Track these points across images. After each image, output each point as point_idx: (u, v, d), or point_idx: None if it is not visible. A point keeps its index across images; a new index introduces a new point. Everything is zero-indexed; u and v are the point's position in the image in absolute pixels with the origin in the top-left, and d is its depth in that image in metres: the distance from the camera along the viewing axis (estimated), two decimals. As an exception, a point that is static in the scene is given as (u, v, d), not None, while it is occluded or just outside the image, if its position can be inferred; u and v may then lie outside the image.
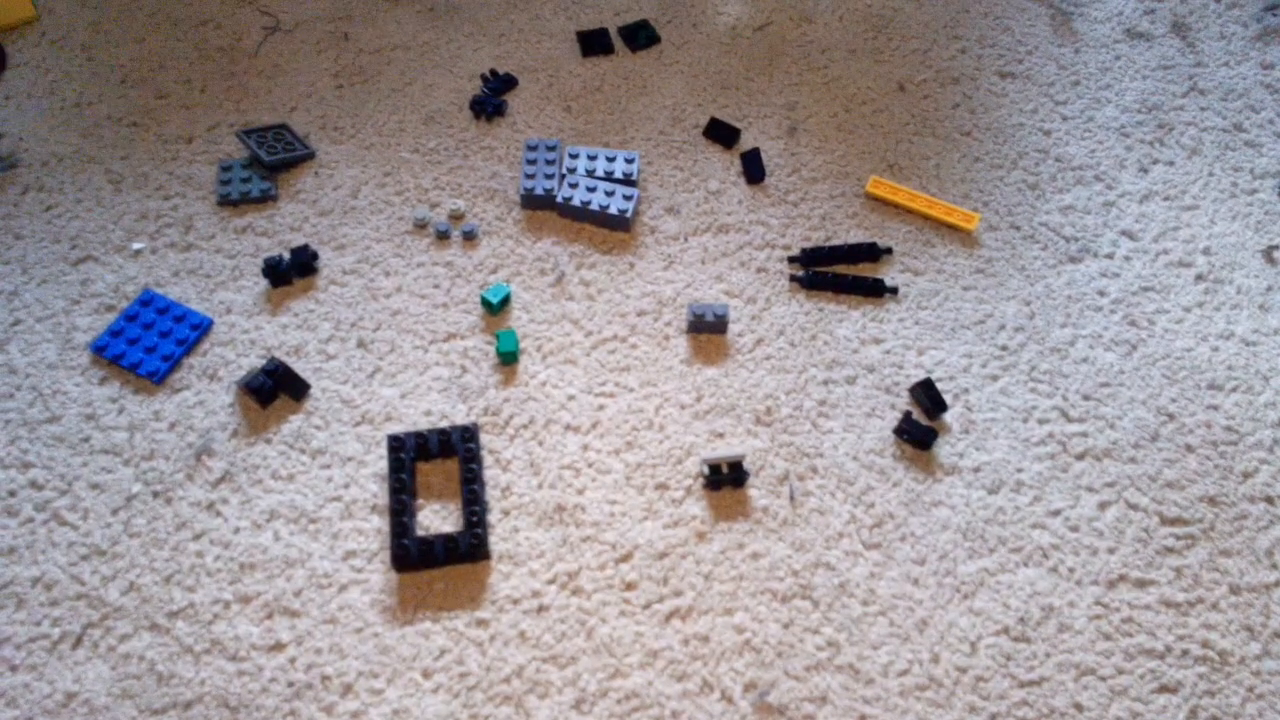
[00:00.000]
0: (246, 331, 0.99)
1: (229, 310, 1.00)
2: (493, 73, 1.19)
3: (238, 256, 1.04)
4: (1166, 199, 1.12)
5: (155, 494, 0.89)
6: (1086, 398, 0.97)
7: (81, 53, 1.21)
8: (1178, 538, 0.89)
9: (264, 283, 1.02)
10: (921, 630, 0.83)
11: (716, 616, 0.84)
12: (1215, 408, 0.97)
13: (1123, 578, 0.87)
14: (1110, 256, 1.07)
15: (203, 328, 0.98)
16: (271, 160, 1.08)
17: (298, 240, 1.05)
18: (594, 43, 1.23)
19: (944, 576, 0.86)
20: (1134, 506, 0.90)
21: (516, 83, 1.19)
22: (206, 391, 0.95)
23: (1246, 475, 0.92)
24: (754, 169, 1.11)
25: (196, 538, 0.86)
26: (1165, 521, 0.90)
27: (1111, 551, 0.88)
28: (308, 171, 1.11)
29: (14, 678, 0.79)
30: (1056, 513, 0.90)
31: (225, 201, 1.07)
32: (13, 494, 0.88)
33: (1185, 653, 0.83)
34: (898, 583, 0.86)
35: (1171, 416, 0.96)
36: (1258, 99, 1.21)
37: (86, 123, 1.14)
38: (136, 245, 1.04)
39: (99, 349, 0.96)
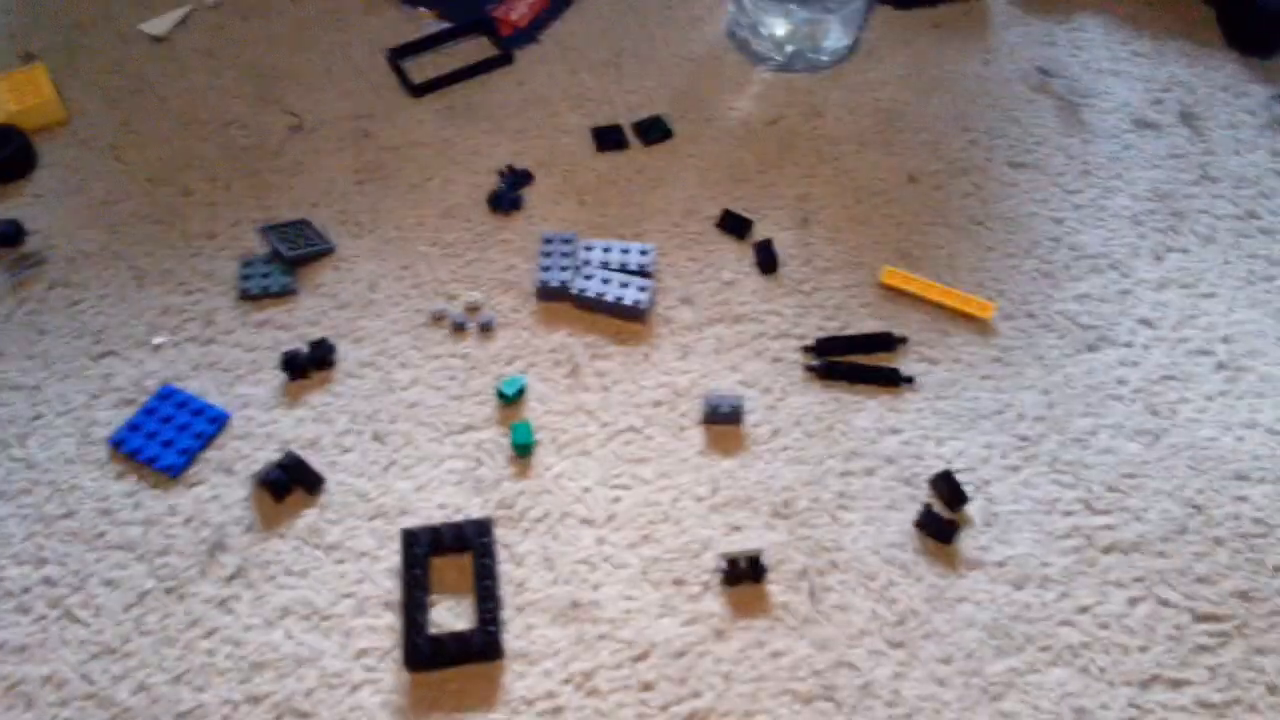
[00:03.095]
0: (263, 425, 0.99)
1: (246, 404, 1.00)
2: (510, 168, 1.22)
3: (256, 350, 1.05)
4: (1183, 286, 1.11)
5: (168, 590, 0.88)
6: (1111, 489, 0.95)
7: (110, 152, 1.24)
8: (1211, 635, 0.86)
9: (281, 376, 1.02)
10: (948, 733, 0.81)
11: (737, 719, 0.81)
12: (1243, 499, 0.95)
13: (1156, 677, 0.84)
14: (1129, 345, 1.06)
15: (220, 422, 0.98)
16: (292, 255, 1.09)
17: (316, 333, 1.06)
18: (608, 138, 1.25)
19: (971, 677, 0.84)
20: (1165, 602, 0.88)
21: (533, 178, 1.21)
22: (222, 486, 0.95)
23: (1279, 569, 0.90)
24: (767, 259, 1.12)
25: (208, 635, 0.85)
26: (1198, 618, 0.87)
27: (1143, 650, 0.85)
28: (328, 266, 1.12)
29: (17, 783, 0.78)
30: (1085, 609, 0.87)
31: (246, 296, 1.09)
32: (26, 590, 0.88)
33: (1225, 757, 0.80)
34: (923, 683, 0.83)
35: (1199, 508, 0.94)
36: (1270, 186, 1.21)
37: (113, 220, 1.17)
38: (157, 340, 1.05)
39: (117, 443, 0.96)
